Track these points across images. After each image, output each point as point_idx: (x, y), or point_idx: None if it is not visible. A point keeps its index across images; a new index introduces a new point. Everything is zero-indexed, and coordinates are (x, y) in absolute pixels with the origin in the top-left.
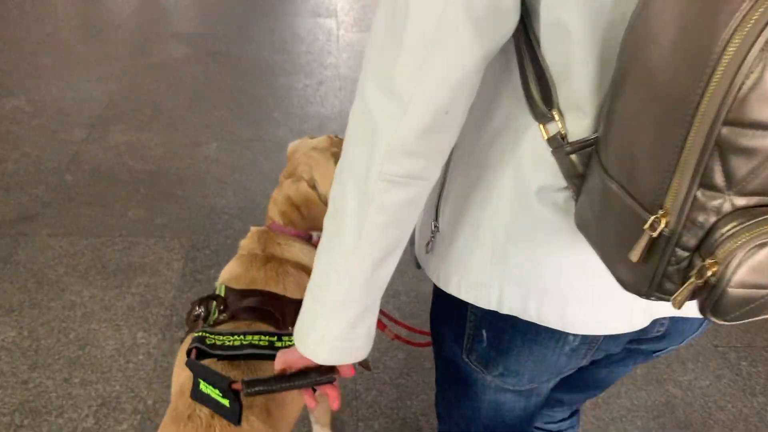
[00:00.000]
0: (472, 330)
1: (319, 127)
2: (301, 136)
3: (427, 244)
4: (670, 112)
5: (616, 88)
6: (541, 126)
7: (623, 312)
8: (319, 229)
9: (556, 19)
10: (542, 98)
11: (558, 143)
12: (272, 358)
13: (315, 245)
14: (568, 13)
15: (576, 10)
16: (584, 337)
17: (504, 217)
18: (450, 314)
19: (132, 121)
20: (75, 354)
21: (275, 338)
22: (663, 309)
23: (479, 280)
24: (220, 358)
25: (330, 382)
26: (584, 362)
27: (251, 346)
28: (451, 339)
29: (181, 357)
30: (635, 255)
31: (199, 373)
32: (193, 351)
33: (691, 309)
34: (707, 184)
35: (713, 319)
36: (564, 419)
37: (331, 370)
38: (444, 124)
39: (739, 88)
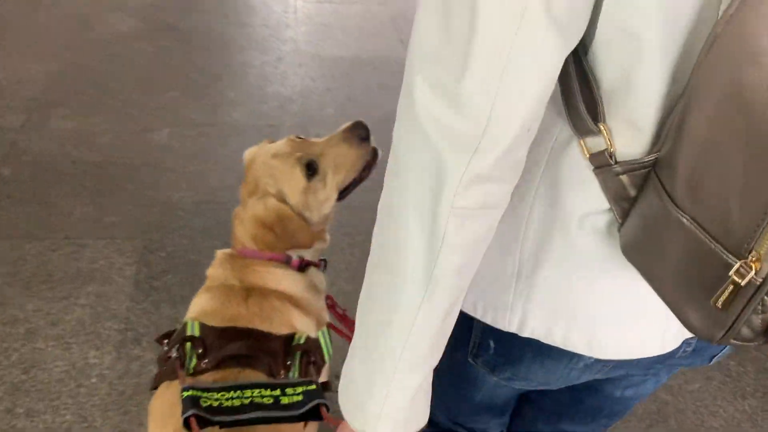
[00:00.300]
0: (478, 339)
1: (279, 108)
2: (260, 118)
3: None
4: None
5: (692, 108)
6: (582, 142)
7: (655, 335)
8: (299, 247)
9: (622, 27)
10: (588, 111)
11: (603, 162)
12: (284, 420)
13: (296, 267)
14: (640, 20)
15: (652, 17)
16: (596, 359)
17: (534, 239)
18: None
19: (75, 104)
20: (18, 379)
21: (278, 392)
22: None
23: (500, 302)
24: (223, 425)
25: None
26: (599, 376)
27: (255, 406)
28: (455, 341)
29: (157, 409)
30: (721, 302)
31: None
32: (191, 419)
33: None
34: None
35: None
36: None
37: None
38: (524, 141)
39: None
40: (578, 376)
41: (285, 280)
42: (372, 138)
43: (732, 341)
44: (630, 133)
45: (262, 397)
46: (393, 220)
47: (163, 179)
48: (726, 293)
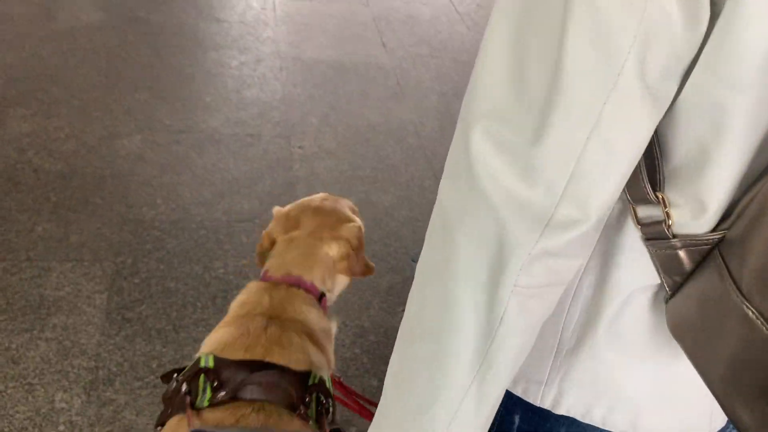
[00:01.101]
0: (500, 414)
1: (259, 116)
2: (238, 125)
3: None
4: None
5: None
6: (634, 209)
7: (704, 416)
8: (356, 275)
9: (709, 96)
10: (648, 177)
11: (658, 234)
12: None
13: (324, 307)
14: (733, 94)
15: (745, 88)
16: None
17: (580, 314)
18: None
19: (35, 104)
20: None
21: None
22: None
23: (534, 375)
24: None
25: None
26: None
27: None
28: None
29: None
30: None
31: None
32: None
33: None
34: None
35: None
36: None
37: None
38: (603, 220)
39: None
40: None
41: (311, 314)
42: None
43: None
44: (694, 208)
45: None
46: (440, 292)
47: (135, 193)
48: None
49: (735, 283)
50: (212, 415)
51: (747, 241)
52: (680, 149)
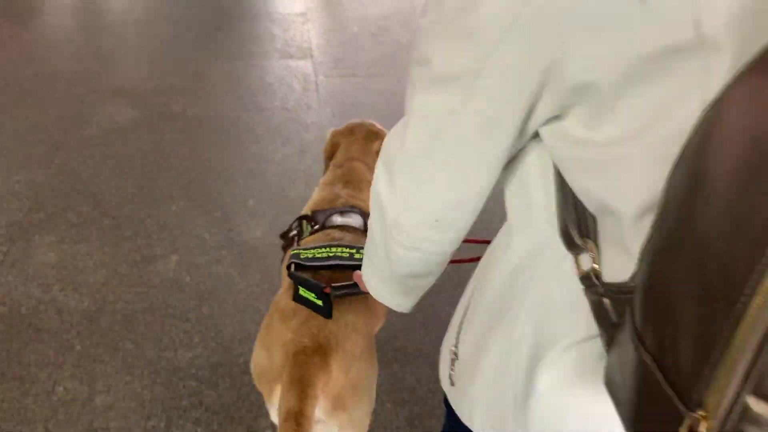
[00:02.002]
0: None
1: None
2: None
3: (449, 375)
4: (719, 290)
5: (656, 235)
6: (574, 258)
7: None
8: None
9: (613, 151)
10: (578, 227)
11: (590, 282)
12: (352, 267)
13: None
14: (632, 148)
15: (640, 146)
16: None
17: (526, 353)
18: None
19: (63, 226)
20: None
21: (354, 250)
22: None
23: (504, 426)
24: (313, 269)
25: None
26: None
27: (336, 257)
28: None
29: (284, 265)
30: None
31: (298, 281)
32: (292, 265)
33: None
34: (763, 394)
35: None
36: None
37: None
38: (438, 227)
39: None
40: None
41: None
42: None
43: None
44: (617, 253)
45: (342, 252)
46: (371, 216)
47: (169, 331)
48: None
49: (637, 332)
50: (310, 238)
51: (642, 288)
52: (595, 199)
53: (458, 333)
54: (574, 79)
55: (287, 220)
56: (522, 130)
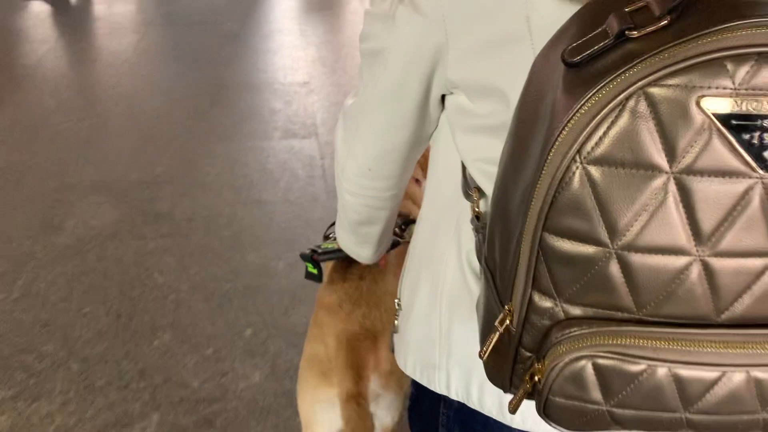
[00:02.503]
0: (437, 407)
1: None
2: (292, 374)
3: (395, 325)
4: (520, 209)
5: (496, 183)
6: (471, 206)
7: None
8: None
9: (474, 124)
10: (468, 183)
11: (475, 222)
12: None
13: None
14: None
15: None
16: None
17: (447, 295)
18: (423, 412)
19: (20, 375)
20: None
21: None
22: None
23: (431, 361)
24: (325, 258)
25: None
26: None
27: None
28: (423, 407)
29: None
30: (483, 351)
31: (303, 259)
32: (310, 255)
33: None
34: (539, 287)
35: (550, 424)
36: None
37: None
38: (371, 176)
39: (556, 192)
40: None
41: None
42: None
43: (510, 388)
44: (486, 201)
45: None
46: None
47: None
48: (490, 340)
49: (484, 255)
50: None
51: (488, 218)
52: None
53: (400, 286)
54: (454, 64)
55: (292, 357)
56: (426, 98)
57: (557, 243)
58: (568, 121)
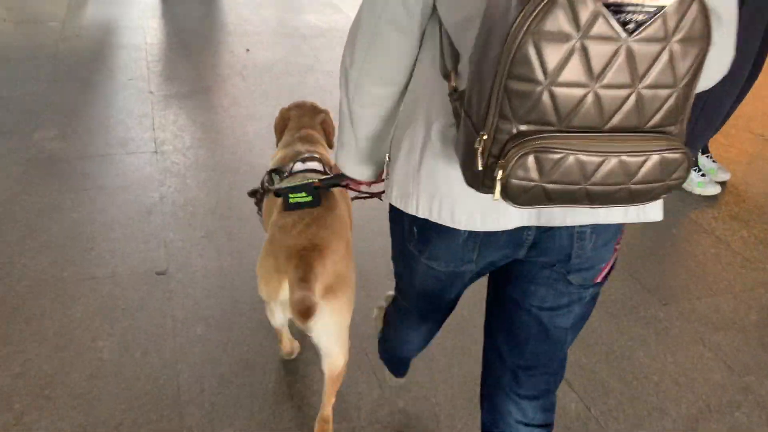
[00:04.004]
0: (408, 228)
1: None
2: None
3: (385, 172)
4: (492, 71)
5: (473, 61)
6: (447, 83)
7: (493, 214)
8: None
9: (456, 21)
10: (451, 65)
11: (452, 94)
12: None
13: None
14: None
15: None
16: (469, 233)
17: (420, 146)
18: (396, 217)
19: None
20: None
21: (316, 179)
22: (522, 216)
23: (406, 191)
24: (328, 185)
25: (360, 184)
26: (474, 257)
27: (309, 182)
28: (399, 233)
29: (265, 208)
30: (469, 159)
31: (288, 191)
32: (306, 186)
33: (543, 217)
34: (504, 115)
35: (509, 203)
36: (527, 425)
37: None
38: (383, 83)
39: (514, 55)
40: (463, 253)
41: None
42: None
43: (485, 189)
44: (463, 77)
45: (311, 180)
46: (341, 100)
47: None
48: (476, 155)
49: (464, 108)
50: (282, 184)
51: (467, 89)
52: (459, 47)
53: (390, 145)
54: None
55: None
56: None
57: (515, 84)
58: (521, 11)
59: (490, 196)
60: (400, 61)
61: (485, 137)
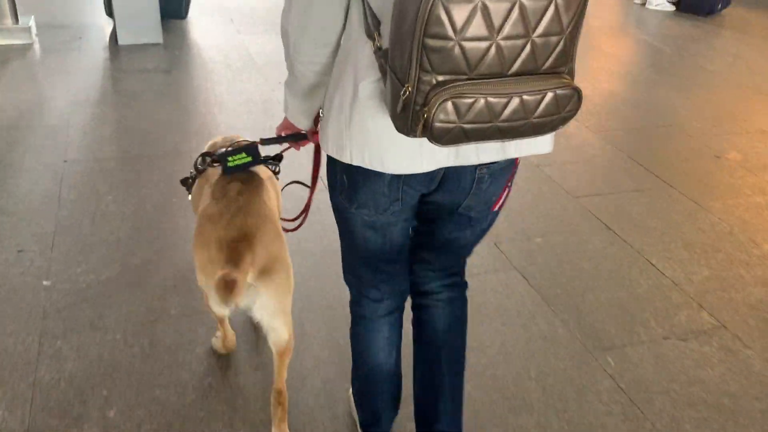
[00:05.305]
0: (338, 177)
1: None
2: None
3: (318, 125)
4: (410, 33)
5: (392, 23)
6: (372, 43)
7: (417, 159)
8: None
9: None
10: (374, 27)
11: (377, 53)
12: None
13: None
14: None
15: None
16: (393, 176)
17: (349, 102)
18: (330, 170)
19: None
20: None
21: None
22: (441, 158)
23: (340, 143)
24: (272, 142)
25: (303, 138)
26: (400, 196)
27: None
28: (332, 187)
29: (195, 190)
30: (398, 108)
31: (227, 155)
32: (248, 147)
33: (459, 158)
34: (423, 68)
35: (435, 144)
36: (446, 285)
37: (303, 136)
38: (317, 43)
39: (428, 17)
40: (389, 194)
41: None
42: None
43: (413, 134)
44: (386, 37)
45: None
46: (285, 52)
47: None
48: (399, 104)
49: (389, 63)
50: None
51: (389, 47)
52: (378, 11)
53: (322, 103)
54: None
55: None
56: None
57: (431, 42)
58: None
59: (413, 143)
60: (333, 24)
61: (410, 88)
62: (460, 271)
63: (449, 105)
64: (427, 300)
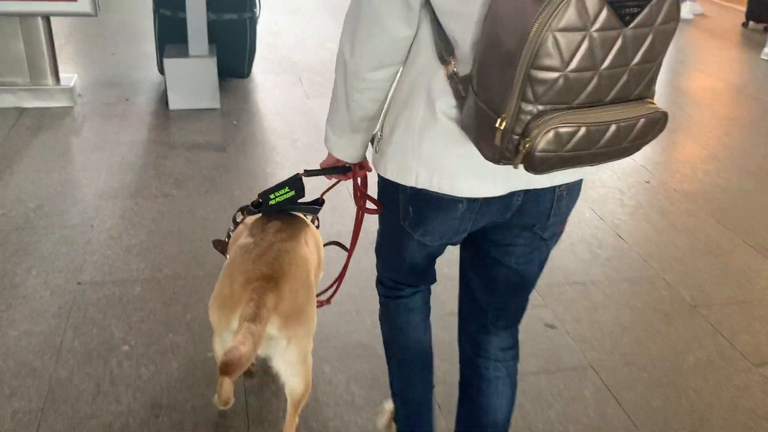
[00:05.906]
0: (403, 206)
1: None
2: None
3: (375, 148)
4: (508, 62)
5: (481, 51)
6: (445, 67)
7: (489, 183)
8: None
9: (450, 11)
10: (447, 52)
11: (453, 78)
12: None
13: None
14: (457, 14)
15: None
16: (467, 201)
17: (419, 124)
18: (388, 198)
19: None
20: None
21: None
22: (514, 183)
23: (404, 166)
24: (314, 174)
25: (347, 171)
26: (470, 227)
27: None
28: (391, 210)
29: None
30: (497, 140)
31: (266, 194)
32: (297, 177)
33: (532, 182)
34: (525, 99)
35: (531, 172)
36: (504, 349)
37: (348, 168)
38: (380, 67)
39: (538, 48)
40: (460, 224)
41: None
42: None
43: (504, 162)
44: (463, 64)
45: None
46: (335, 81)
47: None
48: (497, 135)
49: (475, 92)
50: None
51: (476, 74)
52: (453, 35)
53: (382, 123)
54: None
55: None
56: None
57: (537, 73)
58: (540, 11)
59: (486, 167)
60: (400, 46)
61: (507, 119)
62: (518, 331)
63: (551, 134)
64: (481, 372)
